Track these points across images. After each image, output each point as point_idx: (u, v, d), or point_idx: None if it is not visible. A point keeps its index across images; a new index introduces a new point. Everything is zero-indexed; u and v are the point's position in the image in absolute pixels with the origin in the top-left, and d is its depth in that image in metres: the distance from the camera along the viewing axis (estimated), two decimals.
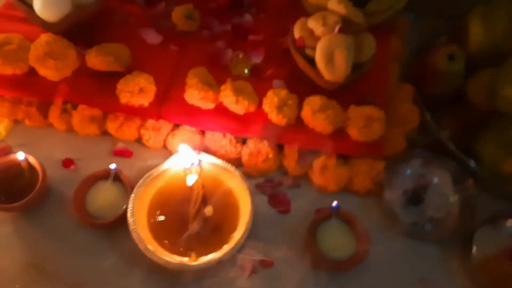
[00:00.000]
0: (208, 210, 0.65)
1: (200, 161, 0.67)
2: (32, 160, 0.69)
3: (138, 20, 0.82)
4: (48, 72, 0.71)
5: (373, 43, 0.73)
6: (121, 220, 0.65)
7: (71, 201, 0.67)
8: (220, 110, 0.73)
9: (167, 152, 0.76)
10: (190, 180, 0.68)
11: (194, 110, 0.73)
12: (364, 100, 0.75)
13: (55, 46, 0.70)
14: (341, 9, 0.69)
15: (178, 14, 0.80)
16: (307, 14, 0.73)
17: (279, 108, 0.70)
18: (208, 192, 0.67)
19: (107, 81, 0.73)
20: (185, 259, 0.60)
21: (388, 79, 0.80)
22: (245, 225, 0.62)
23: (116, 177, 0.69)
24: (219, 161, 0.68)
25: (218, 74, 0.75)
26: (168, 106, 0.73)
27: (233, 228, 0.64)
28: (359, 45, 0.71)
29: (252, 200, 0.64)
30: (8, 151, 0.73)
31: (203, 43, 0.81)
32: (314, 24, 0.71)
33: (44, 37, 0.70)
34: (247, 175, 0.72)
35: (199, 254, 0.61)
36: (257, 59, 0.80)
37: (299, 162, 0.73)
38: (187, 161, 0.67)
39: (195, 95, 0.70)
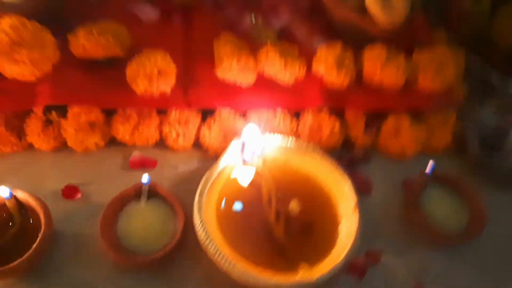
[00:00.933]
0: (294, 206, 0.49)
1: (264, 147, 0.51)
2: (22, 196, 0.47)
3: None
4: (19, 69, 0.50)
5: None
6: (177, 248, 0.47)
7: (97, 238, 0.47)
8: (263, 82, 0.57)
9: (200, 151, 0.59)
10: (247, 177, 0.52)
11: (230, 88, 0.56)
12: (413, 48, 0.64)
13: (26, 32, 0.50)
14: None
15: None
16: None
17: (339, 66, 0.56)
18: (282, 185, 0.51)
19: (104, 72, 0.55)
20: (301, 275, 0.43)
21: (427, 23, 0.70)
22: (355, 213, 0.47)
23: (151, 194, 0.50)
24: (291, 141, 0.52)
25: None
26: (197, 88, 0.56)
27: (330, 222, 0.49)
28: None
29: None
30: None
31: (210, 13, 0.65)
32: None
33: (8, 21, 0.49)
34: None
35: (310, 264, 0.45)
36: (280, 21, 0.66)
37: (366, 129, 0.60)
38: (248, 150, 0.50)
39: (234, 66, 0.54)
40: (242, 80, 0.55)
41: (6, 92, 0.51)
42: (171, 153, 0.58)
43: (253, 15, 0.65)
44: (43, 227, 0.46)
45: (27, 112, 0.54)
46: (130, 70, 0.51)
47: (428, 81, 0.58)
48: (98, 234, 0.48)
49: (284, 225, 0.48)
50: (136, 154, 0.56)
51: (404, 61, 0.57)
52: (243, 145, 0.50)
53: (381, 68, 0.56)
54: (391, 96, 0.59)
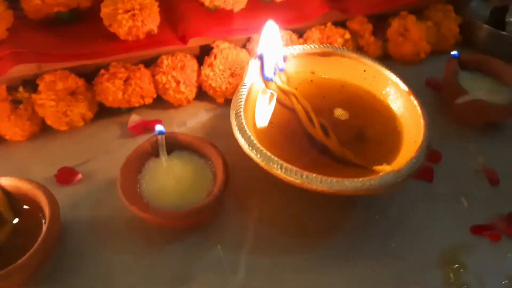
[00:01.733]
0: (340, 113, 0.42)
1: (285, 58, 0.44)
2: (10, 183, 0.36)
3: None
4: None
5: None
6: (224, 193, 0.38)
7: (115, 217, 0.38)
8: (256, 3, 0.51)
9: (205, 101, 0.50)
10: (272, 103, 0.44)
11: (223, 15, 0.49)
12: None
13: None
14: None
15: None
16: None
17: None
18: (316, 100, 0.44)
19: (71, 29, 0.46)
20: (385, 169, 0.36)
21: None
22: (411, 98, 0.41)
23: (171, 146, 0.41)
24: (313, 48, 0.45)
25: None
26: (187, 21, 0.48)
27: (386, 119, 0.42)
28: None
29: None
30: None
31: None
32: None
33: None
34: None
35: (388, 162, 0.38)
36: None
37: (375, 33, 0.55)
38: (269, 64, 0.43)
39: None
40: (233, 3, 0.48)
41: None
42: (174, 111, 0.49)
43: None
44: (48, 216, 0.35)
45: None
46: (106, 9, 0.42)
47: None
48: (116, 211, 0.39)
49: (336, 136, 0.41)
50: (134, 118, 0.47)
51: None
52: (262, 59, 0.42)
53: None
54: None
